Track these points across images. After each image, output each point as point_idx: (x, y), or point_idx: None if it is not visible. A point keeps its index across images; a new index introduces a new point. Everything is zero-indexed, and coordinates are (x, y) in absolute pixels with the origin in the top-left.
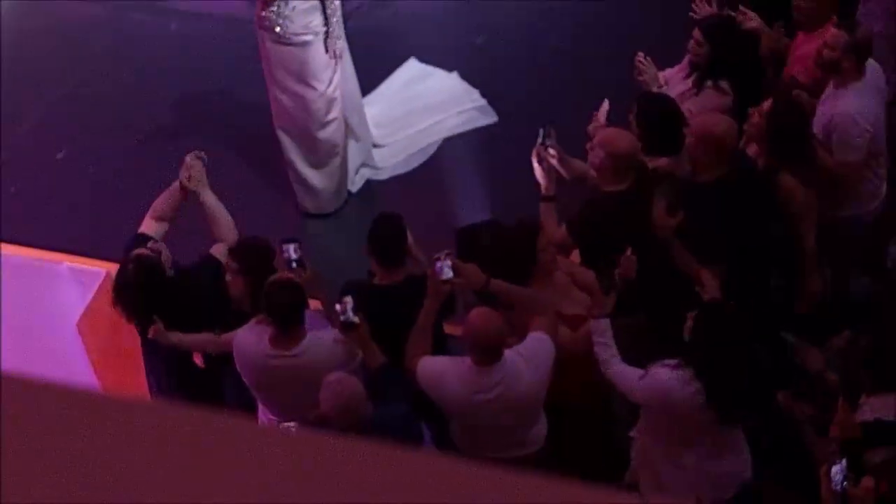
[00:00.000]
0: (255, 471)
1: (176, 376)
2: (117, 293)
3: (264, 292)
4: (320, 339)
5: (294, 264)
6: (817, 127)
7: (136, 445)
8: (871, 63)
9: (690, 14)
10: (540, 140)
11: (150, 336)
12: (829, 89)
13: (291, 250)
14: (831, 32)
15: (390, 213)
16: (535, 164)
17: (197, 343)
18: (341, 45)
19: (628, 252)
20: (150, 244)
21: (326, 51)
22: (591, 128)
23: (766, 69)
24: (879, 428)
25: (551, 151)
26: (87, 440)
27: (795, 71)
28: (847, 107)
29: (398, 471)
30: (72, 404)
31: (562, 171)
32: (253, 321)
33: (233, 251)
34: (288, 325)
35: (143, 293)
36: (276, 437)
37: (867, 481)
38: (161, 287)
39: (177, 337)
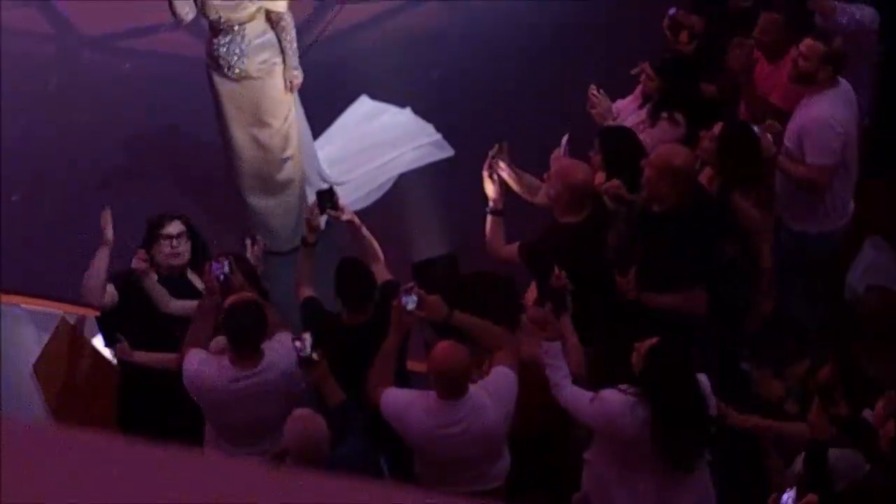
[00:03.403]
0: None
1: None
2: None
3: (224, 316)
4: (277, 350)
5: (223, 277)
6: (789, 138)
7: (100, 482)
8: (843, 81)
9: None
10: (492, 154)
11: (115, 355)
12: (803, 101)
13: (225, 265)
14: (806, 44)
15: (354, 258)
16: (486, 177)
17: (162, 361)
18: (299, 76)
19: (556, 271)
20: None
21: (285, 84)
22: (552, 159)
23: (734, 86)
24: (853, 424)
25: (501, 165)
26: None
27: (774, 98)
28: (821, 111)
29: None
30: (36, 442)
31: (513, 185)
32: (199, 354)
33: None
34: (251, 345)
35: None
36: (244, 473)
37: (811, 497)
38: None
39: (141, 356)
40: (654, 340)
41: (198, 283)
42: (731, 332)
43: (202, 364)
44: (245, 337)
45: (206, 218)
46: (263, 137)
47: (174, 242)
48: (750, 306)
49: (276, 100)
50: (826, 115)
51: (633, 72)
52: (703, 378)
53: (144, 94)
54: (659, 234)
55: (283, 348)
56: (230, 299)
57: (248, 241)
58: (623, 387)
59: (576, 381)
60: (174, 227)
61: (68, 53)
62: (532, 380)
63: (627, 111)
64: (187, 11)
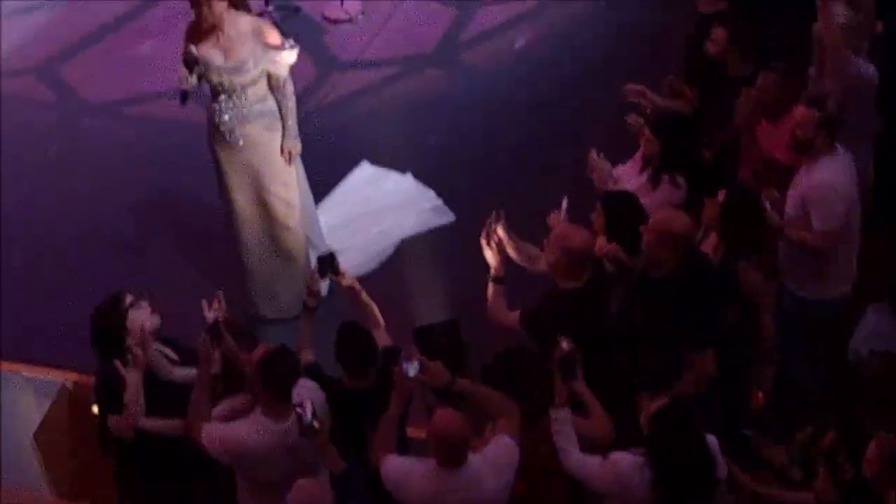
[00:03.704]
0: None
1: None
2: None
3: (261, 367)
4: (302, 393)
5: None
6: (791, 206)
7: None
8: (839, 147)
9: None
10: (489, 222)
11: (114, 422)
12: (803, 169)
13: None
14: (801, 112)
15: (354, 323)
16: (484, 245)
17: (169, 428)
18: (297, 146)
19: (564, 345)
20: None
21: (282, 152)
22: (550, 220)
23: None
24: (858, 489)
25: (499, 231)
26: None
27: (779, 154)
28: (822, 178)
29: None
30: None
31: (513, 254)
32: (218, 426)
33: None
34: (289, 393)
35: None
36: None
37: None
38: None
39: (147, 423)
40: (661, 402)
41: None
42: (732, 398)
43: (236, 433)
44: (287, 386)
45: (208, 283)
46: (267, 204)
47: (142, 304)
48: (751, 372)
49: (279, 166)
50: (828, 181)
51: (625, 94)
52: (711, 439)
53: (145, 160)
54: (658, 299)
55: (307, 390)
56: (259, 353)
57: (205, 302)
58: (633, 449)
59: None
60: (128, 297)
61: (69, 120)
62: (536, 448)
63: (628, 176)
64: (193, 81)
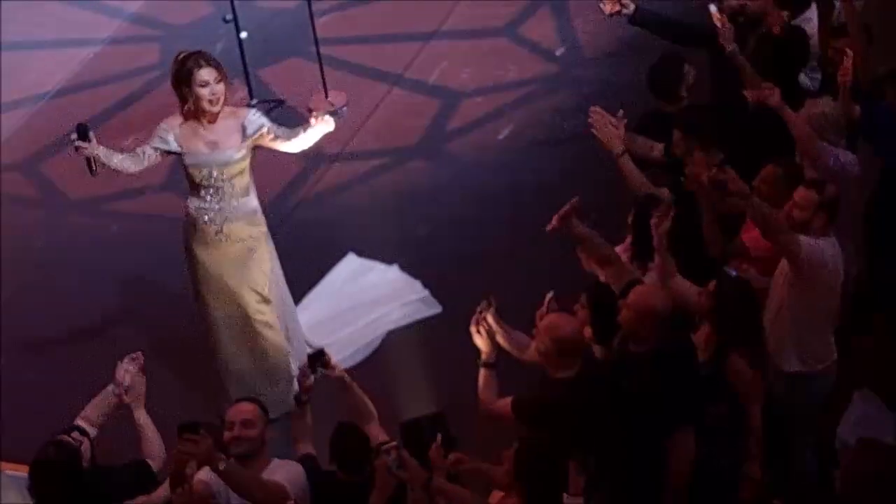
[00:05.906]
0: None
1: None
2: (33, 477)
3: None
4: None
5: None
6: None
7: None
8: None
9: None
10: (479, 310)
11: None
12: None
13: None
14: (801, 194)
15: (350, 424)
16: (474, 332)
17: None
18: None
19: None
20: (73, 434)
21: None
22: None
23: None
24: None
25: (489, 319)
26: None
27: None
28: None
29: None
30: None
31: (502, 343)
32: None
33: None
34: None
35: (60, 480)
36: None
37: None
38: (77, 478)
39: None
40: None
41: None
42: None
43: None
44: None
45: (194, 387)
46: (245, 303)
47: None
48: (738, 469)
49: (259, 263)
50: (822, 253)
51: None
52: None
53: (132, 255)
54: (639, 374)
55: (286, 471)
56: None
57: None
58: None
59: None
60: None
61: (55, 217)
62: None
63: None
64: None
